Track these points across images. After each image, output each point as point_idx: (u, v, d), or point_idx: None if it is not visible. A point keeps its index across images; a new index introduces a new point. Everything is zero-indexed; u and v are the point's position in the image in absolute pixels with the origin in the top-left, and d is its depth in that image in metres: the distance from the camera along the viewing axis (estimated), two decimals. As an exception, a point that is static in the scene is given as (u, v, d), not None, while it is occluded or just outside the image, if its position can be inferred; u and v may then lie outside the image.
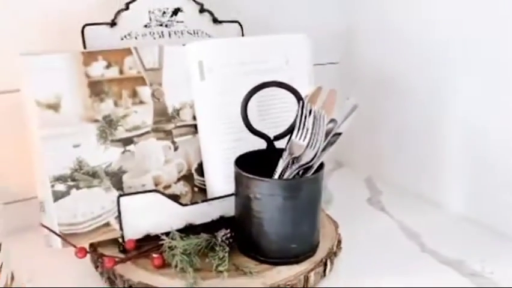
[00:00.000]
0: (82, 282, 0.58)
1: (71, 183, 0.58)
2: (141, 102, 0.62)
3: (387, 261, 0.63)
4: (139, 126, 0.62)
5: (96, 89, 0.59)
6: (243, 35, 0.74)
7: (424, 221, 0.74)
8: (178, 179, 0.65)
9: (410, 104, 0.82)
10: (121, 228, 0.59)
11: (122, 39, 0.65)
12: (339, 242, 0.64)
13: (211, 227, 0.62)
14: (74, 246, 0.57)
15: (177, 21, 0.69)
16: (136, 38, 0.66)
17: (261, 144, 0.62)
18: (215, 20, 0.71)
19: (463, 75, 0.72)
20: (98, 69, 0.60)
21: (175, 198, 0.63)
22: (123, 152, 0.61)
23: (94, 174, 0.59)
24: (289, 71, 0.68)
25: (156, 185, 0.63)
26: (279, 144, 0.61)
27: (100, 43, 0.63)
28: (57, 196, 0.58)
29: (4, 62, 0.63)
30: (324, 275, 0.59)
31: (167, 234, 0.59)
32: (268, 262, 0.57)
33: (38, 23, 0.65)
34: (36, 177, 0.59)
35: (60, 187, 0.58)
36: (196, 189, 0.66)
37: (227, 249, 0.57)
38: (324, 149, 0.58)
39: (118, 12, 0.65)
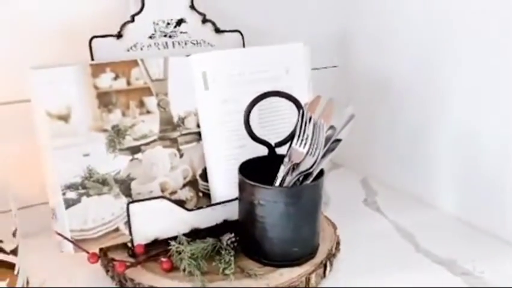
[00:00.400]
0: (94, 284, 0.60)
1: (82, 191, 0.60)
2: (148, 112, 0.64)
3: (384, 261, 0.66)
4: (146, 135, 0.64)
5: (104, 100, 0.61)
6: (243, 43, 0.76)
7: (418, 221, 0.76)
8: (184, 185, 0.67)
9: (405, 106, 0.85)
10: (131, 234, 0.61)
11: (128, 50, 0.67)
12: (338, 243, 0.67)
13: (215, 231, 0.64)
14: (87, 252, 0.59)
15: (181, 32, 0.71)
16: (141, 49, 0.68)
17: (263, 151, 0.64)
18: (217, 30, 0.73)
19: (457, 77, 0.74)
20: (106, 80, 0.61)
21: (181, 203, 0.65)
22: (131, 160, 0.63)
23: (103, 182, 0.62)
24: (289, 79, 0.70)
25: (163, 191, 0.66)
26: (281, 150, 0.64)
27: (106, 55, 0.65)
28: (69, 203, 0.60)
29: (14, 72, 0.64)
30: (324, 275, 0.62)
31: (174, 238, 0.61)
32: (272, 265, 0.60)
33: (46, 35, 0.68)
34: (47, 185, 0.61)
35: (72, 195, 0.60)
36: (200, 194, 0.69)
37: (232, 252, 0.60)
38: (323, 156, 0.60)
39: (124, 24, 0.67)
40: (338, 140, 0.61)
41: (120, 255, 0.61)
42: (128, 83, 0.63)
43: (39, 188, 0.63)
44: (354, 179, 0.95)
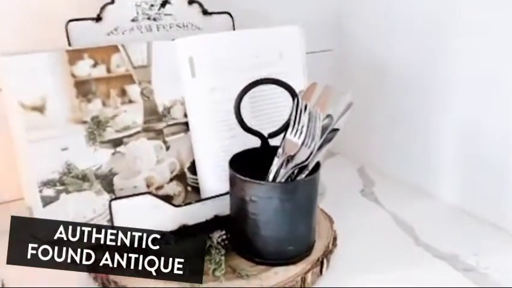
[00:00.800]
0: (76, 285, 0.57)
1: (60, 188, 0.57)
2: (130, 101, 0.61)
3: (382, 257, 0.63)
4: (129, 126, 0.61)
5: (83, 89, 0.58)
6: (233, 26, 0.72)
7: (418, 213, 0.74)
8: (171, 179, 0.64)
9: (403, 92, 0.82)
10: (114, 232, 0.58)
11: (108, 34, 0.63)
12: (335, 239, 0.64)
13: (205, 227, 0.61)
14: (66, 253, 0.56)
15: (165, 14, 0.67)
16: (123, 33, 0.64)
17: (255, 142, 0.61)
18: (205, 12, 0.69)
19: (459, 63, 0.72)
20: (84, 68, 0.58)
21: (168, 199, 0.62)
22: (113, 154, 0.60)
23: (83, 178, 0.58)
24: (283, 65, 0.67)
25: (148, 186, 0.62)
26: (274, 141, 0.60)
27: (84, 40, 0.61)
28: (46, 201, 0.56)
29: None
30: (321, 273, 0.59)
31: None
32: (265, 263, 0.57)
33: (17, 19, 0.63)
34: (23, 181, 0.58)
35: (49, 192, 0.56)
36: (189, 188, 0.66)
37: (223, 252, 0.57)
38: (320, 147, 0.57)
39: (104, 6, 0.63)
40: (335, 130, 0.58)
41: (103, 255, 0.58)
42: (109, 71, 0.59)
43: (16, 183, 0.60)
44: (351, 168, 0.92)
